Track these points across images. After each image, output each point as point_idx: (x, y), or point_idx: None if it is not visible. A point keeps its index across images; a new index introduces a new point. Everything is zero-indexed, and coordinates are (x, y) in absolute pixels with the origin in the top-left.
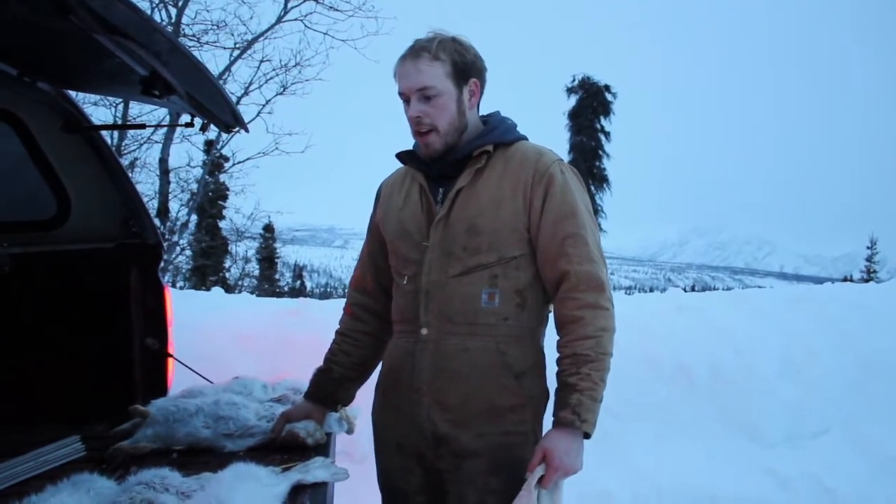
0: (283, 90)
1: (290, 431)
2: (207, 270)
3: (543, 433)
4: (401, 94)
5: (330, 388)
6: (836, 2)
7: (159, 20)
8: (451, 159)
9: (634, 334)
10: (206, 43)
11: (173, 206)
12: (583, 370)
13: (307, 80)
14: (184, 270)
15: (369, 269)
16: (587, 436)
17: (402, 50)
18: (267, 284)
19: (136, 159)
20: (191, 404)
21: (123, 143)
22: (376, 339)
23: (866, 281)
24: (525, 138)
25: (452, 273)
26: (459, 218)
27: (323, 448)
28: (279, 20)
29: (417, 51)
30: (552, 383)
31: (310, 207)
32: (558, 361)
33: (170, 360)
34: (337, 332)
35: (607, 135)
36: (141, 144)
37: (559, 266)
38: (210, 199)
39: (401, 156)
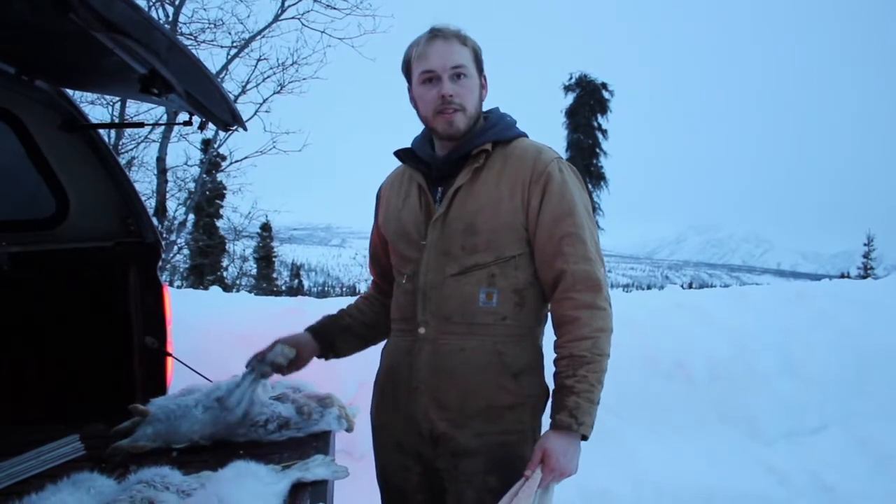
0: (281, 89)
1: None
2: (205, 269)
3: (542, 431)
4: (427, 72)
5: (333, 332)
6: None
7: (156, 19)
8: (450, 158)
9: (633, 332)
10: (204, 41)
11: (171, 205)
12: (579, 372)
13: (304, 79)
14: (181, 269)
15: (375, 269)
16: (584, 438)
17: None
18: (265, 283)
19: (133, 158)
20: (190, 401)
21: (121, 143)
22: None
23: (863, 277)
24: (525, 135)
25: (450, 272)
26: (457, 217)
27: (323, 446)
28: (276, 18)
29: (448, 34)
30: (551, 382)
31: (307, 206)
32: (555, 362)
33: (169, 358)
34: (358, 296)
35: (604, 132)
36: (138, 143)
37: (556, 265)
38: (207, 198)
39: (399, 154)
